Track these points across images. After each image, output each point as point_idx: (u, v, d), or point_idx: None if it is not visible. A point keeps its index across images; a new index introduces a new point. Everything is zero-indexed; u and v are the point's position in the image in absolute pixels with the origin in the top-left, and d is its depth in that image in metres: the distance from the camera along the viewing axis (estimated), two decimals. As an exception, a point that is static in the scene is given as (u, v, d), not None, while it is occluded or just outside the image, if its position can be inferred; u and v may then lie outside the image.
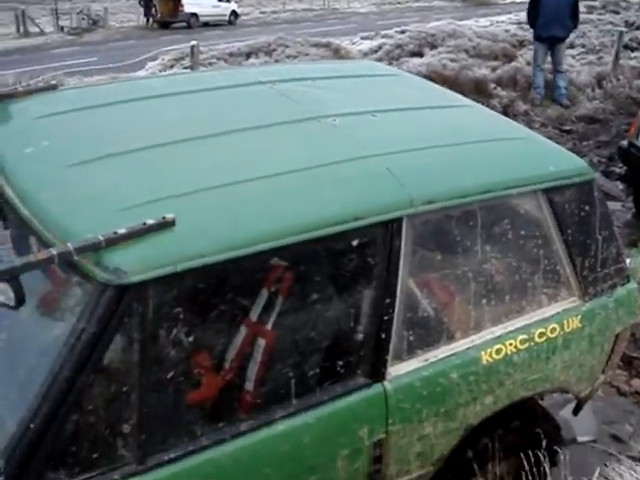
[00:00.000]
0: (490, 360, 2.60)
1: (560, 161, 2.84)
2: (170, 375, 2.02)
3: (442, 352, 2.54)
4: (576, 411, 3.33)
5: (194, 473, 2.04)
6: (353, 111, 2.80)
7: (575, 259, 2.80)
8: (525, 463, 2.57)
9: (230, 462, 2.11)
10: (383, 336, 2.36)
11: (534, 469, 2.58)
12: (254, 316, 2.26)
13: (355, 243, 2.24)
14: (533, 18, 9.69)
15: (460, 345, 2.58)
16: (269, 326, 2.25)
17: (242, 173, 2.23)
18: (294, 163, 2.35)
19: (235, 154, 2.39)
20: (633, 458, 3.23)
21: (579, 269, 2.83)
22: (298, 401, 2.22)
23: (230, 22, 28.18)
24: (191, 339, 2.05)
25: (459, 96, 3.44)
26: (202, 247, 1.95)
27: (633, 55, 15.07)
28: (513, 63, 11.23)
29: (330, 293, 2.31)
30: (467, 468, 2.67)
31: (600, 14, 29.22)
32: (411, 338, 2.47)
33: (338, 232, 2.18)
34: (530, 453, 2.62)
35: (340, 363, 2.31)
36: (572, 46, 19.67)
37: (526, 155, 2.84)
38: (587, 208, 2.80)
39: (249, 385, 2.24)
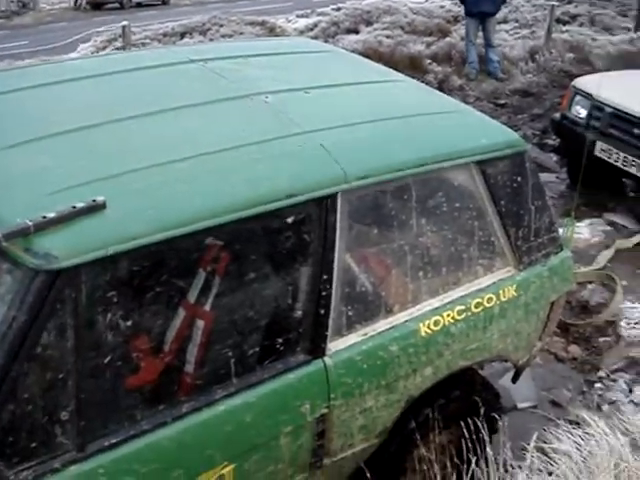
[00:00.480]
0: (428, 332, 2.64)
1: (493, 134, 2.88)
2: (107, 360, 1.98)
3: (381, 326, 2.56)
4: (515, 379, 3.40)
5: (135, 458, 2.02)
6: (286, 88, 2.79)
7: (509, 230, 2.86)
8: (465, 431, 2.62)
9: (172, 445, 2.09)
10: (322, 312, 2.36)
11: (474, 437, 2.63)
12: (191, 297, 2.23)
13: (290, 220, 2.23)
14: None
15: (398, 318, 2.61)
16: (207, 307, 2.23)
17: (174, 153, 2.20)
18: (226, 141, 2.33)
19: (167, 133, 2.36)
20: (571, 422, 3.33)
21: (513, 239, 2.88)
22: (239, 380, 2.22)
23: (164, 2, 27.63)
24: (127, 323, 2.01)
25: (392, 71, 3.46)
26: (134, 229, 1.93)
27: (565, 29, 15.31)
28: (448, 39, 11.29)
29: (267, 271, 2.30)
30: (410, 439, 2.70)
31: (535, -12, 29.68)
32: (350, 313, 2.49)
33: (272, 210, 2.17)
34: (470, 421, 2.67)
35: (280, 341, 2.31)
36: (505, 21, 19.90)
37: (459, 128, 2.87)
38: (520, 179, 2.85)
39: (189, 367, 2.22)
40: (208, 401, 2.16)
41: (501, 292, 2.86)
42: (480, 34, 9.86)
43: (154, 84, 2.74)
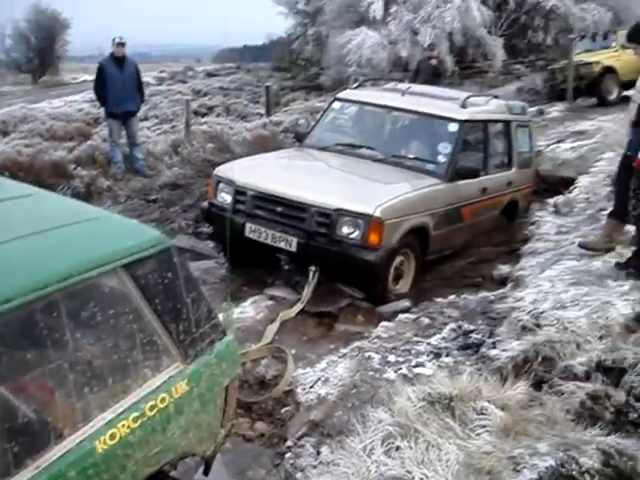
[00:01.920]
0: (106, 447, 2.52)
1: (136, 235, 2.89)
2: None
3: (54, 454, 2.38)
4: (206, 471, 3.38)
5: None
6: None
7: (169, 326, 2.87)
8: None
9: None
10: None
11: None
12: None
13: None
14: (102, 95, 9.84)
15: (71, 441, 2.45)
16: None
17: None
18: None
19: None
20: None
21: (175, 335, 2.89)
22: None
23: None
24: None
25: (23, 185, 3.33)
26: None
27: (203, 120, 16.19)
28: (90, 141, 11.30)
29: None
30: None
31: (169, 84, 30.95)
32: (15, 450, 2.28)
33: None
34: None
35: None
36: (146, 118, 20.49)
37: (101, 235, 2.83)
38: (170, 275, 2.89)
39: None
40: None
41: (173, 389, 2.85)
42: (123, 133, 9.99)
43: None
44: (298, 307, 5.91)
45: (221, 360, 3.15)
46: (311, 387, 4.68)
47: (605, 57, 16.39)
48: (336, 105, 8.24)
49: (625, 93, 14.84)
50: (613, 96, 16.21)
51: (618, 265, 5.52)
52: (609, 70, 16.06)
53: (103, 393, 2.62)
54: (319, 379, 4.70)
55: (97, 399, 2.59)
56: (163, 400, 2.78)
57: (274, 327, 5.49)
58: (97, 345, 2.64)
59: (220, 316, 3.36)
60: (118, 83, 9.63)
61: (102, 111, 10.88)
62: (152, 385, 2.79)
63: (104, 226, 2.93)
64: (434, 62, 12.23)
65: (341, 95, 8.46)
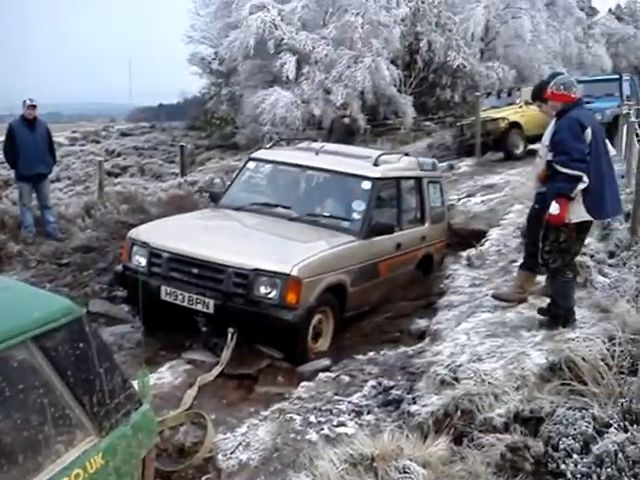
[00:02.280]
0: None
1: (44, 306, 2.79)
2: None
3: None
4: None
5: None
6: None
7: (82, 399, 2.76)
8: None
9: None
10: None
11: None
12: None
13: None
14: (12, 157, 9.60)
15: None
16: None
17: None
18: None
19: None
20: None
21: (89, 407, 2.79)
22: None
23: None
24: None
25: None
26: None
27: (117, 181, 16.03)
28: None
29: None
30: None
31: (82, 145, 30.58)
32: None
33: None
34: None
35: None
36: (58, 179, 20.14)
37: (8, 306, 2.73)
38: (82, 345, 2.80)
39: None
40: None
41: (88, 464, 2.73)
42: (34, 196, 9.74)
43: None
44: (217, 370, 5.81)
45: (137, 431, 3.05)
46: (232, 453, 4.57)
47: (510, 113, 17.14)
48: (251, 165, 8.30)
49: (531, 147, 15.54)
50: (519, 150, 16.96)
51: (540, 311, 5.67)
52: (515, 125, 16.81)
53: (13, 472, 2.49)
54: (240, 444, 4.61)
55: (7, 478, 2.46)
56: (77, 476, 2.67)
57: (192, 392, 5.37)
58: (6, 421, 2.52)
59: (135, 384, 3.26)
60: (29, 145, 9.42)
61: (12, 173, 10.61)
62: (65, 461, 2.67)
63: (11, 296, 2.83)
64: (347, 121, 12.46)
65: (255, 155, 8.53)
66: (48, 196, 9.92)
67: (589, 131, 5.27)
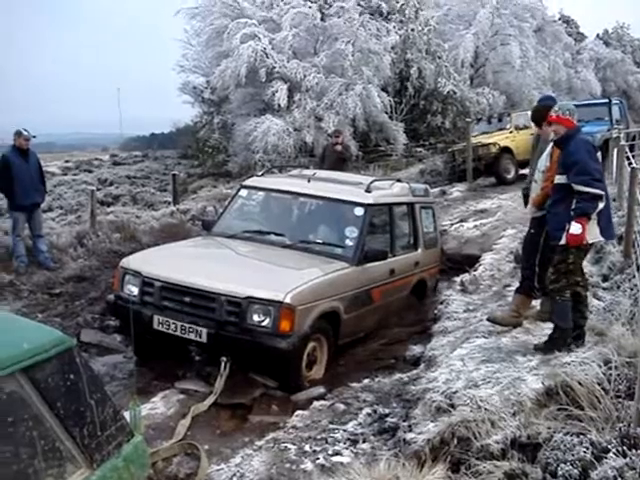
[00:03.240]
0: None
1: (34, 336, 2.75)
2: None
3: None
4: None
5: None
6: None
7: (73, 431, 2.71)
8: None
9: None
10: None
11: None
12: None
13: None
14: (8, 187, 9.53)
15: None
16: None
17: None
18: None
19: None
20: None
21: (79, 440, 2.74)
22: None
23: None
24: None
25: None
26: None
27: (109, 210, 15.93)
28: (-9, 236, 10.89)
29: None
30: None
31: (75, 174, 30.58)
32: None
33: None
34: None
35: None
36: (50, 209, 20.08)
37: (-3, 337, 2.69)
38: (73, 377, 2.76)
39: None
40: None
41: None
42: (26, 225, 9.68)
43: None
44: (210, 400, 5.75)
45: (129, 463, 3.00)
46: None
47: (501, 138, 17.25)
48: (243, 192, 8.29)
49: (522, 172, 15.59)
50: (511, 175, 17.03)
51: (536, 347, 5.61)
52: (506, 150, 16.89)
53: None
54: (234, 475, 4.54)
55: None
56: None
57: (186, 422, 5.31)
58: (-6, 457, 2.47)
59: (127, 416, 3.21)
60: (25, 175, 9.37)
61: (5, 203, 10.54)
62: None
63: (0, 327, 2.79)
64: (339, 148, 12.49)
65: (247, 182, 8.53)
66: (41, 225, 9.86)
67: (599, 154, 5.33)
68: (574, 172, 5.28)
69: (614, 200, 10.00)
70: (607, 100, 18.81)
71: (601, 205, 5.26)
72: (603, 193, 5.24)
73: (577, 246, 5.33)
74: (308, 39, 24.20)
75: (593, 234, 5.37)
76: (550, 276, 5.50)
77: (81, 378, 2.80)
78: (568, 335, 5.42)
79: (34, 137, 9.60)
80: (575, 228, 5.23)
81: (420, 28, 26.17)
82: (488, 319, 6.35)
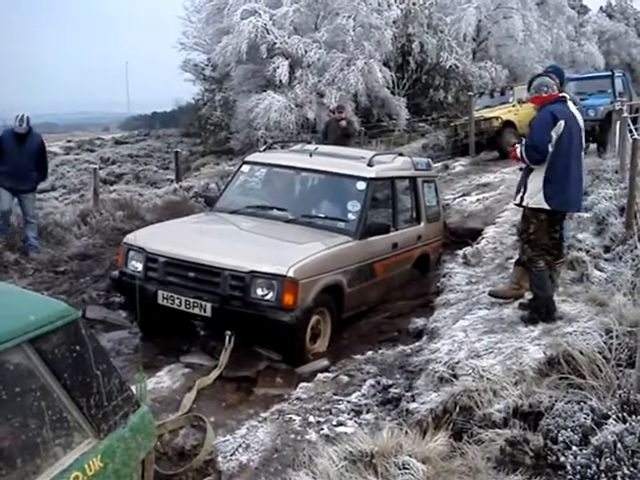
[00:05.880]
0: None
1: (39, 308, 2.79)
2: None
3: None
4: None
5: None
6: None
7: (80, 401, 2.76)
8: None
9: None
10: None
11: None
12: None
13: None
14: None
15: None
16: None
17: None
18: None
19: None
20: None
21: (86, 410, 2.78)
22: None
23: None
24: None
25: None
26: None
27: (112, 188, 15.96)
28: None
29: None
30: None
31: (77, 154, 30.62)
32: None
33: None
34: None
35: None
36: (53, 188, 20.14)
37: (3, 309, 2.72)
38: (79, 348, 2.79)
39: None
40: None
41: (87, 467, 2.72)
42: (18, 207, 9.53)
43: None
44: (215, 373, 5.80)
45: (136, 433, 3.05)
46: (232, 455, 4.56)
47: (504, 112, 17.17)
48: (245, 168, 8.30)
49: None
50: (513, 149, 16.92)
51: (521, 305, 5.81)
52: (508, 124, 16.82)
53: (12, 475, 2.49)
54: (240, 446, 4.60)
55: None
56: (76, 478, 2.66)
57: (191, 395, 5.36)
58: (3, 425, 2.52)
59: (133, 388, 3.25)
60: (14, 158, 9.15)
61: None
62: (64, 463, 2.66)
63: (6, 300, 2.82)
64: (343, 123, 12.45)
65: (250, 158, 8.53)
66: (30, 211, 9.43)
67: (562, 123, 5.39)
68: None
69: (616, 172, 10.00)
70: (610, 73, 18.67)
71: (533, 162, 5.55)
72: (525, 159, 5.58)
73: (536, 216, 5.56)
74: (309, 14, 24.05)
75: (535, 200, 5.57)
76: (524, 248, 5.74)
77: (87, 349, 2.84)
78: (549, 303, 5.56)
79: (29, 126, 9.35)
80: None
81: (422, 2, 26.03)
82: (489, 293, 6.40)
